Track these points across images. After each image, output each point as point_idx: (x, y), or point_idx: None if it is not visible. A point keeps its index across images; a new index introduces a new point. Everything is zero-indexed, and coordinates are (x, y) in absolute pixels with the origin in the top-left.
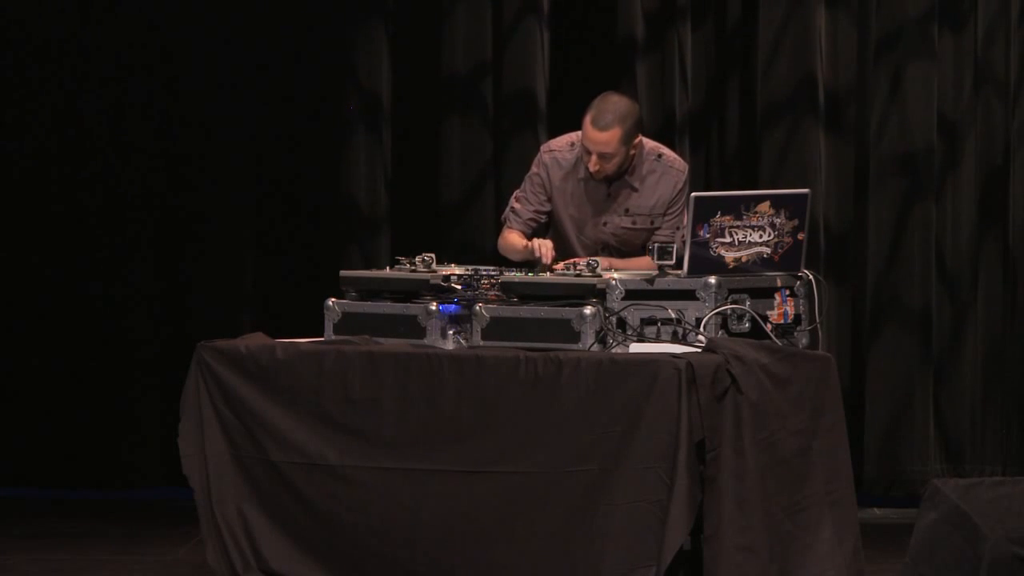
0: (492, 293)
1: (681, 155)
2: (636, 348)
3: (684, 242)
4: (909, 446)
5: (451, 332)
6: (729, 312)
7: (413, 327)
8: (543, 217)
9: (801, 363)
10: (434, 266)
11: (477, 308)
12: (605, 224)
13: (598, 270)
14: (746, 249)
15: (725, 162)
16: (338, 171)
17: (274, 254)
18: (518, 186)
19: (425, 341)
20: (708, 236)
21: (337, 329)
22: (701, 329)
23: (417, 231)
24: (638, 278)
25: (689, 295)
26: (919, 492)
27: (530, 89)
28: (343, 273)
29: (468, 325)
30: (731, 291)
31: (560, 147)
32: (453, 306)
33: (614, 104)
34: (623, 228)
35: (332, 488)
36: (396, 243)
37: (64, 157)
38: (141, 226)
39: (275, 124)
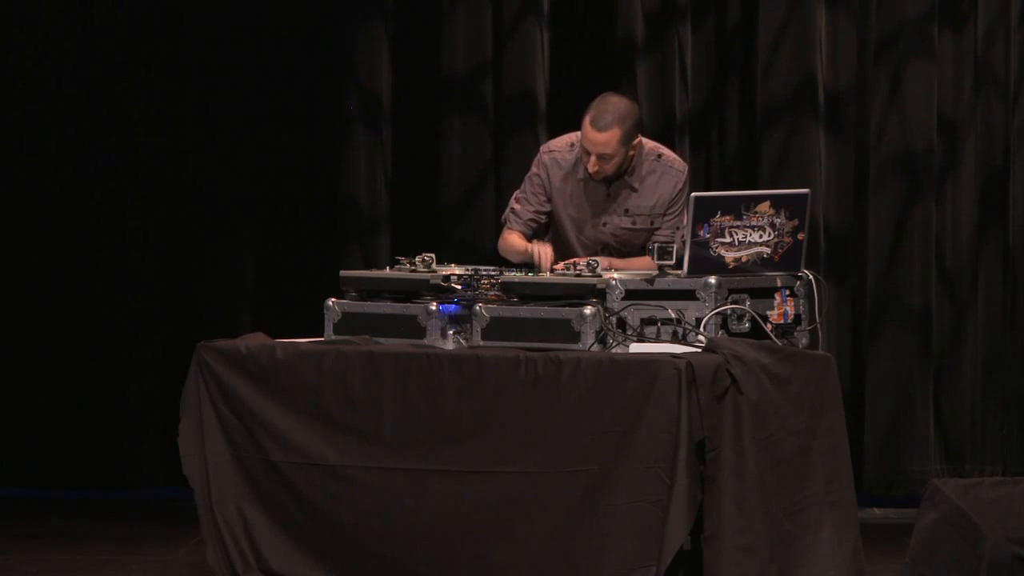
0: (492, 293)
1: (681, 155)
2: (636, 348)
3: (684, 242)
4: (909, 446)
5: (451, 332)
6: (729, 312)
7: (413, 327)
8: (543, 218)
9: (801, 363)
10: (434, 266)
11: (477, 308)
12: (605, 224)
13: (598, 270)
14: (746, 249)
15: (725, 162)
16: (338, 171)
17: (274, 254)
18: (518, 186)
19: (425, 341)
20: (708, 236)
21: (337, 329)
22: (701, 329)
23: (417, 231)
24: (638, 278)
25: (689, 295)
26: (919, 492)
27: (530, 89)
28: (343, 273)
29: (468, 325)
30: (731, 291)
31: (560, 148)
32: (453, 306)
33: (613, 105)
34: (623, 228)
35: (332, 488)
36: (396, 243)
37: (64, 157)
38: (141, 226)
39: (275, 124)
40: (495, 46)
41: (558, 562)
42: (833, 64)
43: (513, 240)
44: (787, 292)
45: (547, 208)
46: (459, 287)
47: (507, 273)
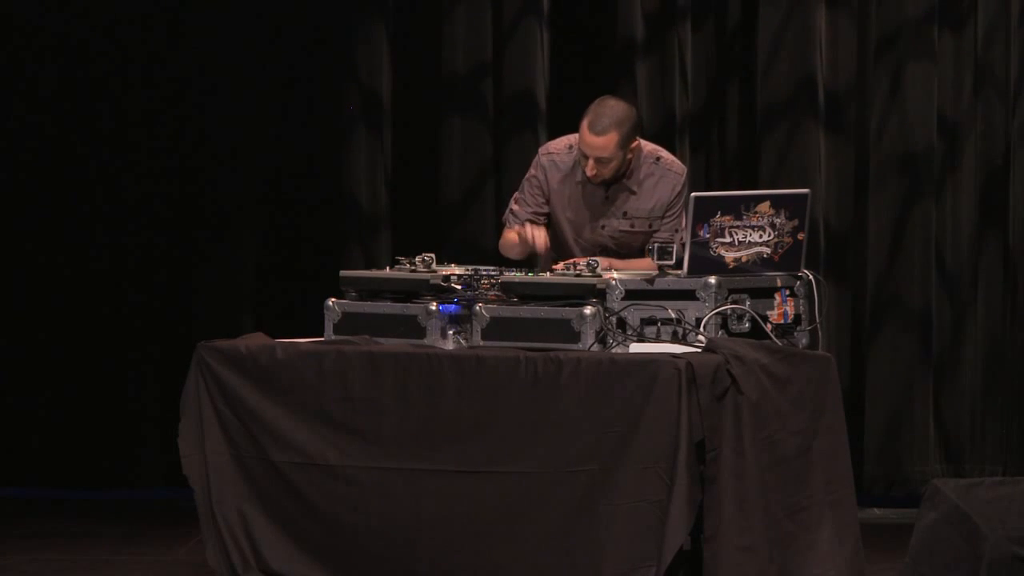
0: (492, 293)
1: (681, 156)
2: (636, 348)
3: (683, 245)
4: (909, 446)
5: (451, 332)
6: (729, 312)
7: (413, 327)
8: (542, 219)
9: (801, 363)
10: (434, 266)
11: (477, 308)
12: (603, 227)
13: (598, 270)
14: (746, 249)
15: (725, 162)
16: (338, 171)
17: (274, 254)
18: (518, 186)
19: (425, 341)
20: (708, 236)
21: (337, 329)
22: (701, 329)
23: (417, 231)
24: (638, 278)
25: (689, 295)
26: (919, 492)
27: (530, 89)
28: (343, 273)
29: (468, 325)
30: (731, 291)
31: (558, 149)
32: (453, 306)
33: (611, 108)
34: (621, 231)
35: (332, 488)
36: (396, 243)
37: (64, 157)
38: (141, 226)
39: (275, 124)
40: (495, 46)
41: (558, 562)
42: (833, 64)
43: (510, 236)
44: (787, 292)
45: (545, 210)
46: (459, 287)
47: (507, 273)
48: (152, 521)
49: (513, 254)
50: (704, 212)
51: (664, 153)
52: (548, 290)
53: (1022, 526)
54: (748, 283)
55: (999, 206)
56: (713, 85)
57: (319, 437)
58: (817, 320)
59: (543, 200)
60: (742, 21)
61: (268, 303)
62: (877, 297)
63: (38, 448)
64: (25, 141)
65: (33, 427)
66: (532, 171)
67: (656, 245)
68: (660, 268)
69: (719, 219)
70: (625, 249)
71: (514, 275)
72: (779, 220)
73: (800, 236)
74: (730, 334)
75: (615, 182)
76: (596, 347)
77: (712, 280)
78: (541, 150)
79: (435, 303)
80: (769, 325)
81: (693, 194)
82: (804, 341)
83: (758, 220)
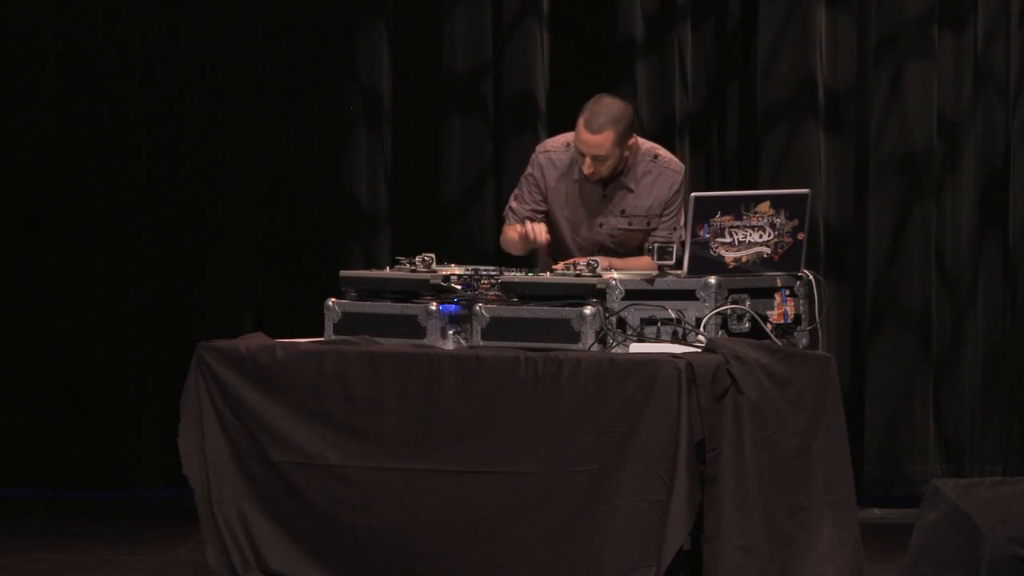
0: (492, 293)
1: (681, 156)
2: (636, 348)
3: (681, 243)
4: (909, 446)
5: (451, 332)
6: (729, 312)
7: (413, 327)
8: (540, 216)
9: (801, 363)
10: (434, 266)
11: (477, 308)
12: (601, 226)
13: (598, 270)
14: (746, 249)
15: (725, 162)
16: (338, 171)
17: (274, 254)
18: (518, 184)
19: (425, 341)
20: (708, 236)
21: (337, 329)
22: (701, 329)
23: (417, 231)
24: (638, 278)
25: (689, 295)
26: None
27: (530, 89)
28: (343, 273)
29: (468, 325)
30: (731, 291)
31: (556, 147)
32: (453, 306)
33: (607, 106)
34: (619, 229)
35: (332, 488)
36: (397, 242)
37: (64, 157)
38: (141, 226)
39: (275, 123)
40: (495, 46)
41: (558, 562)
42: (833, 64)
43: (509, 232)
44: (787, 292)
45: (543, 207)
46: (459, 287)
47: (507, 273)
48: (152, 521)
49: (515, 251)
50: (704, 212)
51: (662, 151)
52: (548, 290)
53: (1022, 526)
54: (748, 283)
55: (999, 206)
56: (713, 85)
57: (319, 437)
58: (817, 320)
59: (540, 198)
60: (742, 21)
61: (268, 303)
62: (877, 297)
63: (38, 448)
64: (25, 141)
65: (33, 427)
66: (529, 169)
67: (656, 245)
68: (660, 268)
69: (719, 219)
70: (623, 247)
71: (514, 275)
72: (779, 220)
73: (800, 236)
74: (730, 334)
75: (612, 180)
76: (596, 347)
77: (712, 280)
78: (538, 148)
79: (435, 303)
80: (769, 325)
81: (693, 194)
82: (804, 341)
83: (758, 220)
